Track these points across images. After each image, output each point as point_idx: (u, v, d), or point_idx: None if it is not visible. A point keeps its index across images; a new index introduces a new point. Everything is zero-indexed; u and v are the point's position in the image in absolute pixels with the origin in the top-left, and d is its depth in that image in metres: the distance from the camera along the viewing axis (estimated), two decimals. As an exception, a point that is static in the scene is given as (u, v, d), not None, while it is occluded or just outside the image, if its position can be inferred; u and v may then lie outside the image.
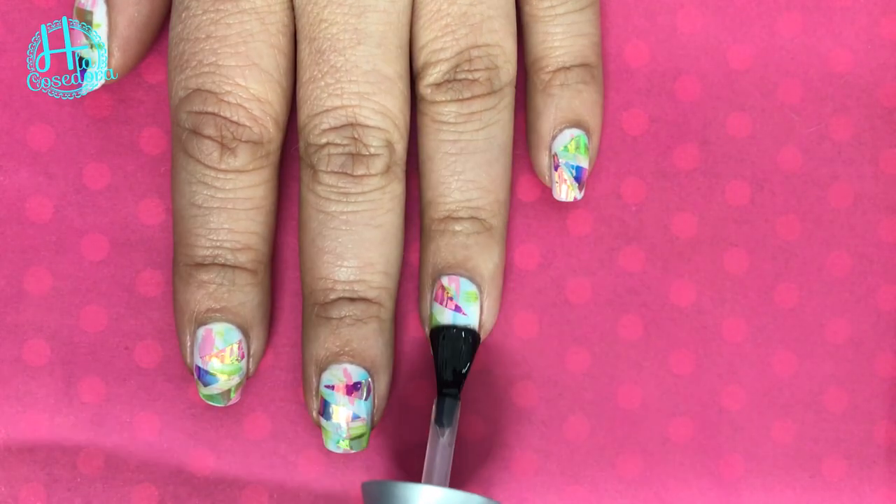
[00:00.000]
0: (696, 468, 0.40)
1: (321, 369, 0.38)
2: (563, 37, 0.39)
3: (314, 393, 0.38)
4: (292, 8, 0.37)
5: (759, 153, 0.41)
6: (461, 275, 0.38)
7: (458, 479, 0.39)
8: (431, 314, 0.38)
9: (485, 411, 0.40)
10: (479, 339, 0.39)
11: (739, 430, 0.40)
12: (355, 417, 0.38)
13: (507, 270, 0.40)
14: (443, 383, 0.38)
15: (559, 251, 0.40)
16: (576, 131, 0.39)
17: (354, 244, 0.37)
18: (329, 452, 0.39)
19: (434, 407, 0.38)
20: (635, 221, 0.40)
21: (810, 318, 0.41)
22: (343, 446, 0.38)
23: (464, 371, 0.38)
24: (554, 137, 0.39)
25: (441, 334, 0.38)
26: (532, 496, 0.40)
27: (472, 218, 0.38)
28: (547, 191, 0.40)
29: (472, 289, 0.38)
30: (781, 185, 0.41)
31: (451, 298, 0.38)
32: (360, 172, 0.37)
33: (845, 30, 0.41)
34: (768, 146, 0.41)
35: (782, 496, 0.40)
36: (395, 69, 0.37)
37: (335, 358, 0.38)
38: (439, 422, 0.38)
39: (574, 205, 0.40)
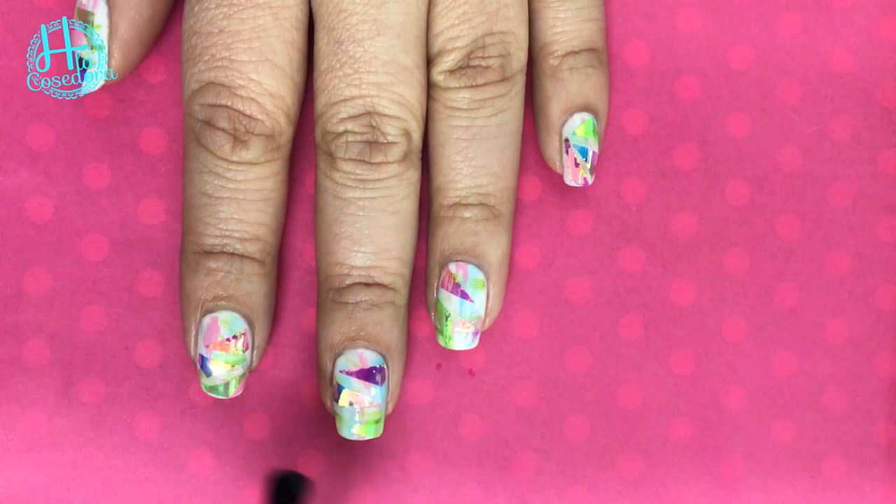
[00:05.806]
0: (696, 468, 0.40)
1: (336, 354, 0.38)
2: (572, 21, 0.39)
3: (329, 379, 0.38)
4: (306, 2, 0.38)
5: (759, 153, 0.41)
6: (469, 261, 0.38)
7: (458, 480, 0.39)
8: (438, 300, 0.38)
9: (485, 411, 0.40)
10: (309, 495, 0.38)
11: (739, 430, 0.40)
12: (370, 403, 0.38)
13: (508, 270, 0.40)
14: None
15: (559, 251, 0.40)
16: (586, 115, 0.39)
17: (371, 230, 0.37)
18: (329, 452, 0.39)
19: None
20: (635, 221, 0.40)
21: (810, 318, 0.41)
22: (357, 432, 0.38)
23: None
24: (564, 122, 0.39)
25: (272, 484, 0.37)
26: (532, 496, 0.40)
27: (481, 204, 0.38)
28: (547, 191, 0.40)
29: (480, 276, 0.38)
30: (781, 185, 0.41)
31: (457, 285, 0.38)
32: (377, 160, 0.37)
33: (845, 30, 0.41)
34: (768, 146, 0.41)
35: (782, 496, 0.40)
36: (413, 59, 0.37)
37: (350, 343, 0.38)
38: None
39: (574, 205, 0.40)
